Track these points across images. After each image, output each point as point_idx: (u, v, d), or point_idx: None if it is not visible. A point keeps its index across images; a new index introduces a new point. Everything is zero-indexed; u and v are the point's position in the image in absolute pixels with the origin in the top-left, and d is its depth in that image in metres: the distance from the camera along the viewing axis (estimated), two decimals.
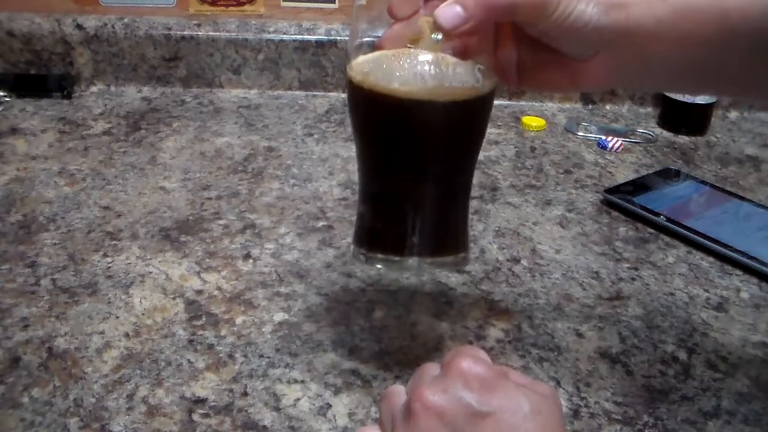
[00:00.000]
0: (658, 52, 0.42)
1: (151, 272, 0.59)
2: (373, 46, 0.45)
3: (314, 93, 1.01)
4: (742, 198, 0.75)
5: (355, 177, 0.56)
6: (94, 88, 0.99)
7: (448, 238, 0.48)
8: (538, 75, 0.46)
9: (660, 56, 0.42)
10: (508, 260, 0.63)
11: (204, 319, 0.54)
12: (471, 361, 0.35)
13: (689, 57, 0.42)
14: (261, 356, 0.50)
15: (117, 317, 0.54)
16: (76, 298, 0.56)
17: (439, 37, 0.42)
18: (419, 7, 0.44)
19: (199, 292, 0.57)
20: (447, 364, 0.36)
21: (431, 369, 0.37)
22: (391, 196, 0.47)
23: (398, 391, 0.37)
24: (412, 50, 0.44)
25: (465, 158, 0.48)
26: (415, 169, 0.46)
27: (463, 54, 0.43)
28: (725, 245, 0.65)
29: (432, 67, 0.42)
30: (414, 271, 0.48)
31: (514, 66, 0.46)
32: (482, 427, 0.33)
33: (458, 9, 0.40)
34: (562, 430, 0.35)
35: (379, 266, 0.49)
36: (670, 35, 0.41)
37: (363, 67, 0.44)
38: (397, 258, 0.47)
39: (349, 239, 0.64)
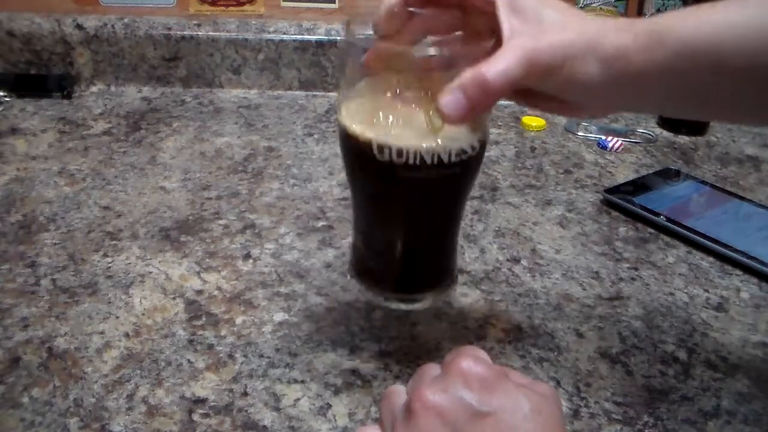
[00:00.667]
0: (657, 90, 0.43)
1: (151, 272, 0.59)
2: (362, 62, 0.45)
3: (314, 93, 1.01)
4: (742, 198, 0.75)
5: None
6: (94, 88, 0.99)
7: (439, 274, 0.51)
8: (532, 103, 0.47)
9: (659, 92, 0.43)
10: (508, 260, 0.63)
11: (204, 319, 0.54)
12: (471, 361, 0.35)
13: (688, 93, 0.43)
14: (261, 356, 0.50)
15: (117, 317, 0.54)
16: (76, 298, 0.56)
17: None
18: (404, 23, 0.44)
19: (199, 292, 0.57)
20: (447, 364, 0.36)
21: (431, 369, 0.37)
22: (380, 237, 0.49)
23: (398, 391, 0.37)
24: (405, 101, 0.43)
25: (455, 210, 0.49)
26: (404, 220, 0.47)
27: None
28: (725, 245, 0.65)
29: (420, 124, 0.42)
30: (405, 306, 0.50)
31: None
32: (482, 426, 0.33)
33: (461, 98, 0.40)
34: (563, 430, 0.35)
35: (370, 296, 0.50)
36: (669, 76, 0.41)
37: (355, 116, 0.44)
38: (385, 293, 0.50)
39: (350, 239, 0.64)
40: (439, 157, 0.42)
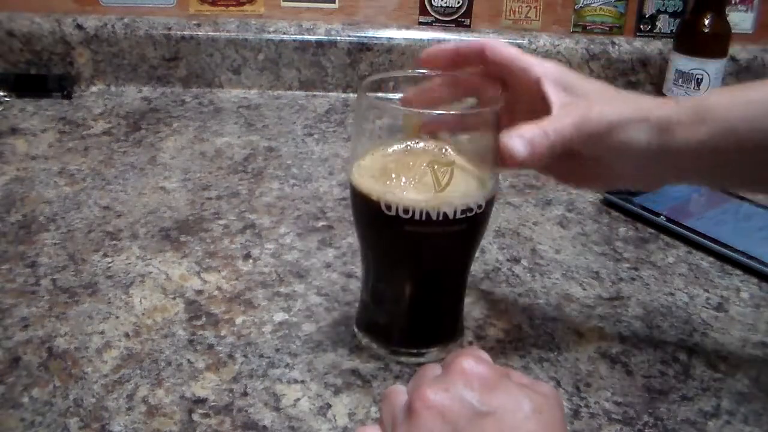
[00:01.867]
0: (695, 166, 0.44)
1: (151, 272, 0.59)
2: (400, 100, 0.47)
3: (314, 93, 1.01)
4: (742, 198, 0.75)
5: None
6: (94, 88, 0.99)
7: (448, 329, 0.51)
8: (563, 174, 0.48)
9: (696, 168, 0.44)
10: (508, 260, 0.63)
11: (204, 319, 0.54)
12: (472, 361, 0.35)
13: (730, 170, 0.44)
14: (261, 356, 0.50)
15: (117, 317, 0.54)
16: (76, 298, 0.56)
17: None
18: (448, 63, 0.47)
19: (199, 292, 0.57)
20: (448, 364, 0.36)
21: (432, 369, 0.37)
22: (388, 292, 0.50)
23: (399, 391, 0.37)
24: (419, 159, 0.44)
25: (461, 265, 0.50)
26: (412, 275, 0.49)
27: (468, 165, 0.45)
28: (725, 245, 0.65)
29: (427, 181, 0.43)
30: (414, 359, 0.50)
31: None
32: (483, 426, 0.33)
33: (524, 142, 0.41)
34: (564, 430, 0.35)
35: (375, 352, 0.51)
36: (707, 154, 0.43)
37: (365, 173, 0.46)
38: (392, 347, 0.50)
39: (350, 239, 0.64)
40: (444, 214, 0.43)
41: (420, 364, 0.47)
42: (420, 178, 0.44)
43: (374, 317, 0.51)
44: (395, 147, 0.46)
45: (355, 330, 0.52)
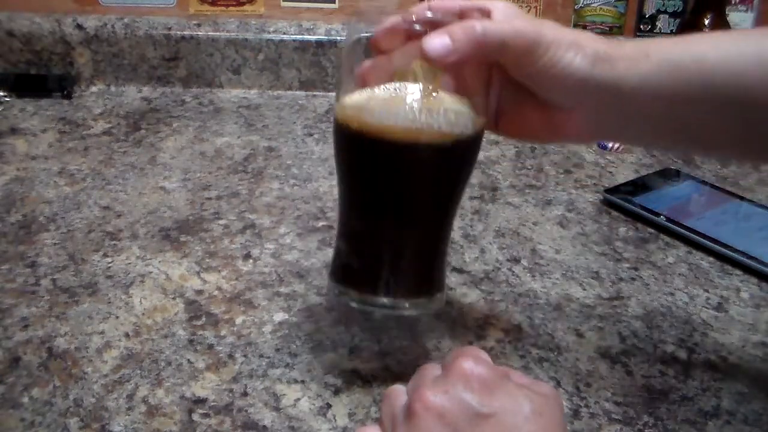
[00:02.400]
0: (641, 108, 0.42)
1: (151, 272, 0.59)
2: (356, 76, 0.44)
3: (314, 93, 1.01)
4: (742, 198, 0.75)
5: None
6: (94, 88, 0.99)
7: (426, 280, 0.48)
8: (517, 122, 0.47)
9: (643, 112, 0.43)
10: (508, 260, 0.63)
11: (204, 319, 0.54)
12: (472, 362, 0.35)
13: (673, 114, 0.42)
14: (261, 356, 0.50)
15: (117, 317, 0.54)
16: (76, 298, 0.56)
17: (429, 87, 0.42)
18: (403, 40, 0.44)
19: (199, 292, 0.57)
20: (448, 364, 0.36)
21: (432, 369, 0.37)
22: (370, 235, 0.47)
23: (399, 391, 0.37)
24: (400, 89, 0.43)
25: (450, 200, 0.47)
26: (400, 211, 0.46)
27: (454, 91, 0.43)
28: (725, 245, 0.65)
29: (421, 108, 0.42)
30: (387, 311, 0.47)
31: (493, 111, 0.46)
32: (483, 428, 0.33)
33: (446, 39, 0.40)
34: (564, 430, 0.35)
35: (352, 304, 0.48)
36: (654, 92, 0.41)
37: (351, 105, 0.44)
38: (370, 298, 0.47)
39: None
40: (438, 132, 0.41)
41: (396, 318, 0.46)
42: (410, 102, 0.42)
43: (351, 264, 0.48)
44: (381, 87, 0.43)
45: (329, 283, 0.49)
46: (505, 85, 0.44)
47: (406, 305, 0.47)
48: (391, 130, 0.41)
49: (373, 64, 0.44)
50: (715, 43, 0.42)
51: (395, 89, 0.43)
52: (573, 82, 0.41)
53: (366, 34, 0.45)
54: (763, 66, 0.40)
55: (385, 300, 0.47)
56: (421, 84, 0.42)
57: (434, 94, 0.42)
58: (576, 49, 0.41)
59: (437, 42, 0.40)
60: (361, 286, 0.47)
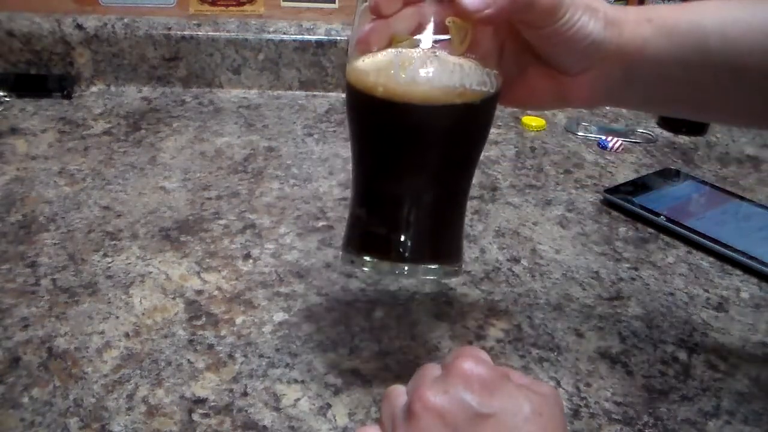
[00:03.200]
0: (642, 71, 0.43)
1: (151, 272, 0.59)
2: (356, 41, 0.44)
3: (314, 93, 1.01)
4: (742, 198, 0.75)
5: None
6: (94, 88, 0.99)
7: (443, 245, 0.47)
8: (523, 88, 0.47)
9: (643, 75, 0.44)
10: (508, 260, 0.63)
11: (204, 319, 0.54)
12: (472, 362, 0.35)
13: (670, 77, 0.44)
14: (261, 356, 0.50)
15: (117, 317, 0.54)
16: (76, 298, 0.56)
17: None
18: (402, 5, 0.43)
19: (199, 292, 0.57)
20: (448, 364, 0.36)
21: (432, 369, 0.37)
22: (388, 199, 0.46)
23: (399, 392, 0.37)
24: (415, 50, 0.42)
25: (468, 161, 0.47)
26: (417, 172, 0.45)
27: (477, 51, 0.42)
28: (725, 245, 0.65)
29: (437, 68, 0.41)
30: (404, 276, 0.47)
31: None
32: (483, 428, 0.33)
33: None
34: (564, 431, 0.35)
35: (366, 268, 0.47)
36: (653, 55, 0.43)
37: (363, 68, 0.43)
38: (388, 262, 0.46)
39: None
40: (462, 85, 0.41)
41: (414, 278, 0.45)
42: (429, 57, 0.41)
43: (371, 228, 0.46)
44: (391, 50, 0.43)
45: (343, 255, 0.48)
46: (511, 53, 0.45)
47: (423, 270, 0.47)
48: (408, 93, 0.41)
49: (373, 28, 0.43)
50: (712, 10, 0.43)
51: (409, 51, 0.42)
52: (586, 45, 0.42)
53: None
54: (754, 32, 0.41)
55: (401, 264, 0.46)
56: (453, 41, 0.41)
57: (467, 53, 0.41)
58: (591, 12, 0.42)
59: None
60: (377, 250, 0.46)
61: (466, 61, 0.42)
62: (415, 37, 0.42)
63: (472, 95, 0.42)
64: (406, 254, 0.46)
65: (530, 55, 0.44)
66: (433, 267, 0.47)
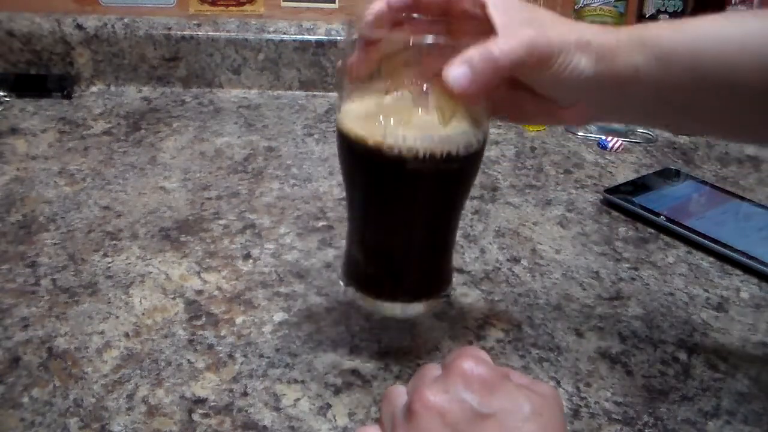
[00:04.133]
0: (635, 95, 0.43)
1: (151, 272, 0.59)
2: (342, 65, 0.45)
3: (314, 93, 1.01)
4: (742, 198, 0.75)
5: None
6: (94, 88, 0.99)
7: (434, 284, 0.50)
8: (513, 111, 0.47)
9: (638, 98, 0.44)
10: (508, 260, 0.63)
11: (204, 319, 0.54)
12: (473, 362, 0.35)
13: (665, 99, 0.44)
14: (261, 356, 0.50)
15: (117, 317, 0.54)
16: (76, 298, 0.56)
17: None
18: (389, 28, 0.44)
19: (199, 292, 0.57)
20: (448, 364, 0.36)
21: (432, 370, 0.37)
22: (377, 241, 0.49)
23: (399, 391, 0.37)
24: (403, 99, 0.43)
25: (456, 207, 0.49)
26: (410, 219, 0.47)
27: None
28: (725, 245, 0.65)
29: (424, 138, 0.42)
30: (397, 314, 0.50)
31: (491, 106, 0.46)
32: (483, 428, 0.33)
33: (466, 70, 0.39)
34: (564, 430, 0.35)
35: (361, 303, 0.50)
36: (646, 80, 0.42)
37: (352, 116, 0.44)
38: (379, 300, 0.49)
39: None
40: (449, 152, 0.42)
41: (406, 318, 0.48)
42: (418, 117, 0.43)
43: (365, 269, 0.49)
44: (379, 89, 0.44)
45: (342, 285, 0.51)
46: (501, 89, 0.45)
47: (415, 307, 0.49)
48: (411, 158, 0.42)
49: (361, 54, 0.44)
50: (706, 29, 0.42)
51: (397, 99, 0.44)
52: (579, 82, 0.42)
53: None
54: (746, 49, 0.41)
55: (393, 304, 0.49)
56: (440, 116, 0.42)
57: (452, 121, 0.43)
58: (581, 51, 0.41)
59: (458, 73, 0.39)
60: (369, 289, 0.49)
61: (455, 123, 0.43)
62: (419, 41, 0.43)
63: (459, 157, 0.43)
64: (399, 296, 0.49)
65: (521, 89, 0.44)
66: (424, 303, 0.50)
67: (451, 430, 0.33)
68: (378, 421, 0.37)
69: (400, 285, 0.49)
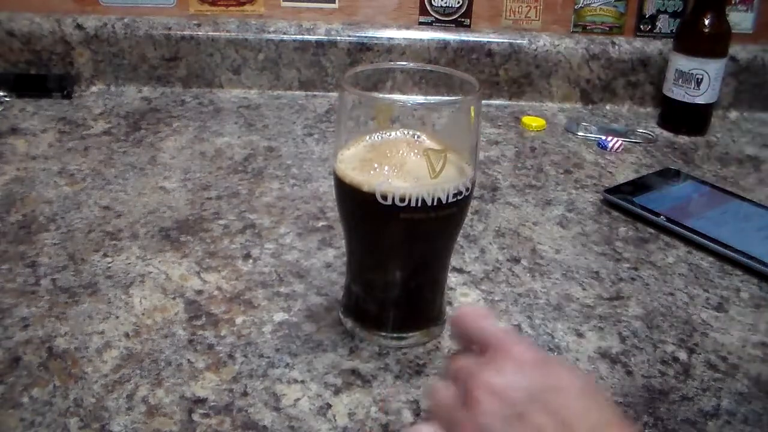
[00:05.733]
0: None
1: (151, 272, 0.59)
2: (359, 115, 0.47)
3: (314, 93, 1.01)
4: (742, 198, 0.75)
5: None
6: (94, 88, 0.99)
7: (427, 314, 0.53)
8: None
9: None
10: (508, 260, 0.63)
11: (204, 319, 0.54)
12: (521, 346, 0.36)
13: None
14: (261, 356, 0.50)
15: (117, 317, 0.54)
16: (76, 298, 0.56)
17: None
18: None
19: (199, 292, 0.57)
20: (493, 349, 0.37)
21: (468, 358, 0.38)
22: (374, 279, 0.51)
23: (444, 385, 0.38)
24: (398, 148, 0.47)
25: (446, 248, 0.51)
26: (403, 261, 0.50)
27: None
28: (725, 245, 0.65)
29: (416, 187, 0.45)
30: (392, 345, 0.52)
31: None
32: (542, 406, 0.34)
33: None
34: (610, 403, 0.35)
35: (360, 335, 0.52)
36: None
37: (348, 162, 0.47)
38: (374, 333, 0.52)
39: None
40: (438, 199, 0.45)
41: (401, 348, 0.50)
42: (410, 166, 0.45)
43: (364, 305, 0.52)
44: (374, 137, 0.48)
45: (341, 317, 0.54)
46: None
47: (408, 339, 0.52)
48: (388, 193, 0.44)
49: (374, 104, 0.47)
50: None
51: (393, 147, 0.47)
52: None
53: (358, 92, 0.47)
54: None
55: (387, 337, 0.52)
56: (430, 169, 0.45)
57: (441, 172, 0.45)
58: None
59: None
60: (366, 322, 0.52)
61: (444, 173, 0.45)
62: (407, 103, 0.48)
63: (449, 204, 0.46)
64: (395, 329, 0.52)
65: None
66: (419, 333, 0.52)
67: (512, 411, 0.33)
68: (428, 419, 0.38)
69: (396, 319, 0.52)
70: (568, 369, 0.36)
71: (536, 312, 0.57)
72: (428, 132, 0.47)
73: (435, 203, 0.45)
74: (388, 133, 0.48)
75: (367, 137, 0.48)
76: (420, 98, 0.49)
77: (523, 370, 0.35)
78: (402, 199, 0.44)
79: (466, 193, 0.47)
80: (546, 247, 0.66)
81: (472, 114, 0.46)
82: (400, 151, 0.46)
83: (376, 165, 0.46)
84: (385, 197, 0.44)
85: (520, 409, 0.33)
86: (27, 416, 0.44)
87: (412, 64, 0.51)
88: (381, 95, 0.49)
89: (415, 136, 0.47)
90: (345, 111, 0.47)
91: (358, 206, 0.47)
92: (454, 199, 0.46)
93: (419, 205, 0.44)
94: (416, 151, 0.46)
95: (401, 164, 0.46)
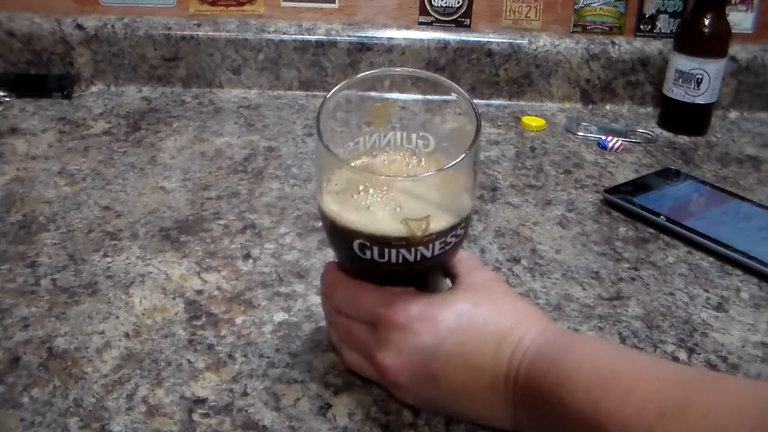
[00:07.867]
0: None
1: (151, 272, 0.59)
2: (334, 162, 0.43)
3: (314, 93, 1.01)
4: (742, 198, 0.75)
5: None
6: (94, 88, 0.99)
7: None
8: None
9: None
10: (508, 260, 0.63)
11: (204, 319, 0.54)
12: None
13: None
14: (261, 356, 0.50)
15: (117, 317, 0.54)
16: (76, 298, 0.56)
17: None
18: None
19: (199, 292, 0.57)
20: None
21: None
22: None
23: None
24: (385, 184, 0.43)
25: (442, 271, 0.48)
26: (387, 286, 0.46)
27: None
28: (725, 245, 0.65)
29: (408, 205, 0.41)
30: None
31: None
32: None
33: None
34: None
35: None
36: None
37: (334, 200, 0.43)
38: None
39: None
40: (422, 254, 0.42)
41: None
42: (386, 204, 0.42)
43: None
44: (359, 184, 0.43)
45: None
46: None
47: None
48: (378, 258, 0.42)
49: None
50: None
51: (379, 183, 0.43)
52: None
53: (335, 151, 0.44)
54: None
55: None
56: (408, 229, 0.41)
57: (423, 232, 0.41)
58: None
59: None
60: None
61: (433, 224, 0.41)
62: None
63: (433, 257, 0.42)
64: None
65: None
66: None
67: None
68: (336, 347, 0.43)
69: None
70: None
71: None
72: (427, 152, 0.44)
73: (418, 258, 0.42)
74: (377, 155, 0.45)
75: (352, 163, 0.45)
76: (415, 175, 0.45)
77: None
78: (381, 255, 0.41)
79: (456, 240, 0.43)
80: (546, 247, 0.66)
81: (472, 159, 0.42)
82: (389, 203, 0.42)
83: (361, 214, 0.42)
84: (363, 251, 0.41)
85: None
86: (27, 416, 0.44)
87: (408, 69, 0.47)
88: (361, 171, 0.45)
89: (410, 165, 0.44)
90: (325, 161, 0.44)
91: (340, 247, 0.45)
92: (439, 251, 0.42)
93: (400, 261, 0.41)
94: (413, 164, 0.43)
95: (389, 215, 0.41)
